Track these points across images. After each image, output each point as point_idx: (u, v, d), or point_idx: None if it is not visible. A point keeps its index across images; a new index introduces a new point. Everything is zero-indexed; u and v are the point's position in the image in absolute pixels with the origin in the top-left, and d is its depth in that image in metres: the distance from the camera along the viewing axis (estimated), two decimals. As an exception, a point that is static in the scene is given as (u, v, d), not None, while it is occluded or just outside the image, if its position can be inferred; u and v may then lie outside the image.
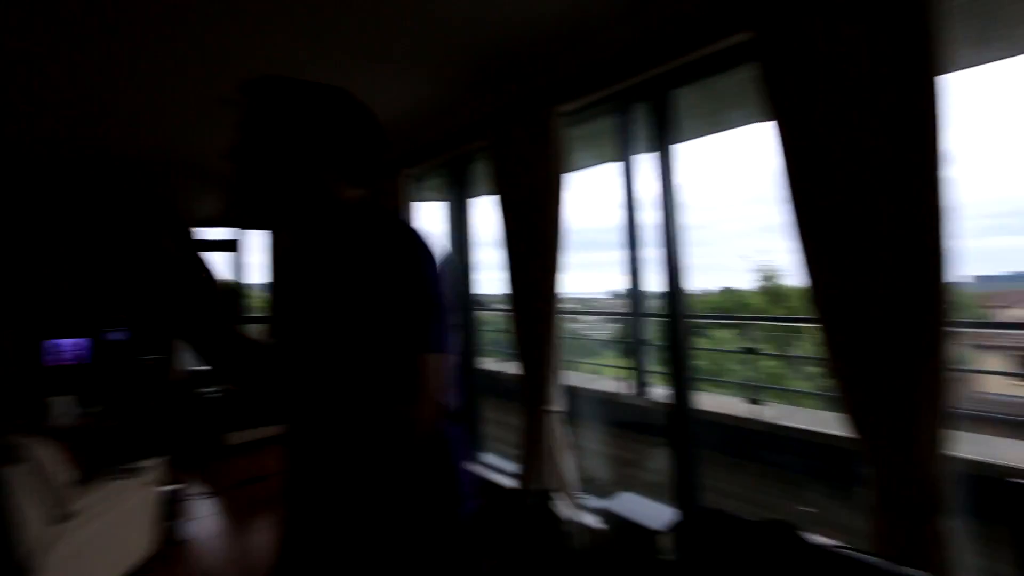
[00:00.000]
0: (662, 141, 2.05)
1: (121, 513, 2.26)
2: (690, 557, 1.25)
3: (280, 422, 0.87)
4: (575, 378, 3.99)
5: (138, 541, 2.36)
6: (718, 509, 1.36)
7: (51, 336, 3.82)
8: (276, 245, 0.74)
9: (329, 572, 0.78)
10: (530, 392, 2.30)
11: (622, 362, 3.99)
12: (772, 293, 8.61)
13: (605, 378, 4.32)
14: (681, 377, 2.03)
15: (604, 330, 6.08)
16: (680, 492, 2.01)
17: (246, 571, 2.38)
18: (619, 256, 3.20)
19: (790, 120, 1.45)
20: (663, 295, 2.04)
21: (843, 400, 1.38)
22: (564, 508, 2.10)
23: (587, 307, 7.22)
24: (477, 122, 2.79)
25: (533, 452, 2.27)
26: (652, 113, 2.06)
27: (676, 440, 2.02)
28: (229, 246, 5.01)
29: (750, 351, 3.48)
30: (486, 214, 3.65)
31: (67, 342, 3.87)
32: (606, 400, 3.95)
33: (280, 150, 0.79)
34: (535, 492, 2.08)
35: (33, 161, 3.69)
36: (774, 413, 3.56)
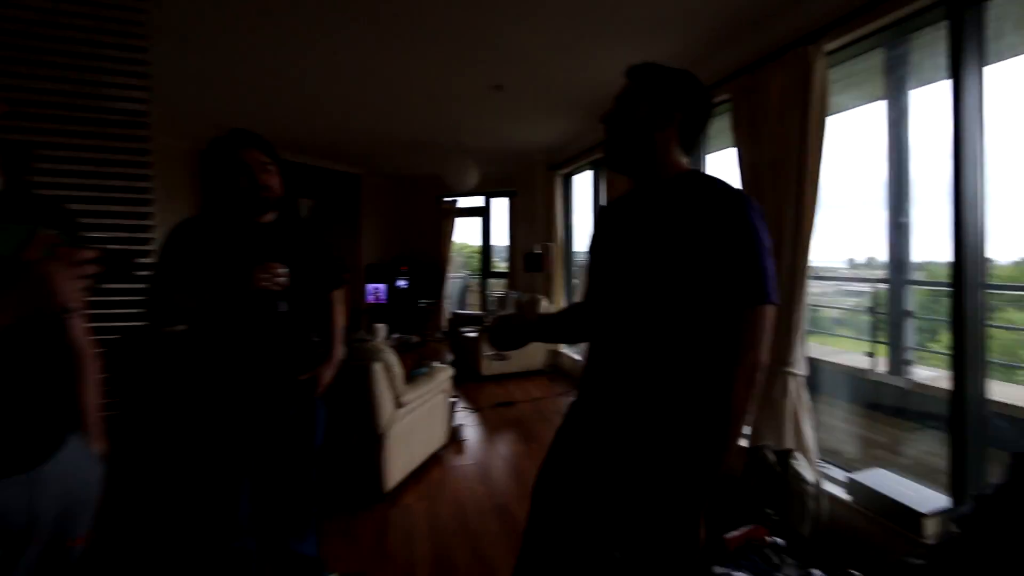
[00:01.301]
0: (961, 68, 1.76)
1: (430, 408, 3.10)
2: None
3: (593, 351, 1.10)
4: (814, 350, 3.72)
5: (438, 432, 3.21)
6: None
7: (368, 282, 5.26)
8: (611, 207, 0.98)
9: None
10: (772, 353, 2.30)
11: (872, 336, 3.55)
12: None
13: (849, 352, 3.89)
14: (967, 359, 1.81)
15: (838, 301, 5.35)
16: (957, 483, 1.84)
17: (510, 467, 3.05)
18: (855, 216, 2.80)
19: None
20: (951, 262, 1.82)
21: None
22: (805, 470, 2.12)
23: (818, 274, 6.38)
24: (716, 77, 2.72)
25: (768, 412, 2.29)
26: (951, 34, 1.78)
27: (955, 429, 1.83)
28: (480, 212, 6.15)
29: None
30: (723, 172, 3.58)
31: (380, 286, 5.28)
32: (850, 375, 3.59)
33: (642, 118, 0.98)
34: (776, 450, 2.14)
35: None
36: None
